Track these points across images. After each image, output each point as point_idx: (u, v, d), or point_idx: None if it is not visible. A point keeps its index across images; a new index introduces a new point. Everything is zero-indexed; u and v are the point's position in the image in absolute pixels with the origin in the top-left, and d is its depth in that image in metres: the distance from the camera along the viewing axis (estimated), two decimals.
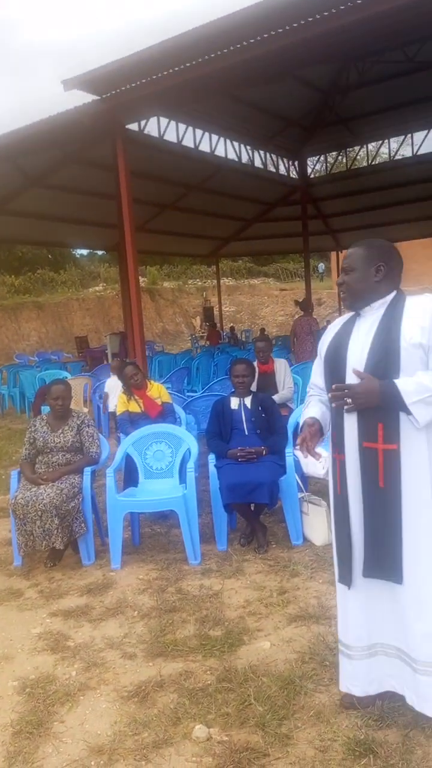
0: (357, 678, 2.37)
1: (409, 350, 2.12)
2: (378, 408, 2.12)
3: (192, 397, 6.48)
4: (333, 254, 21.92)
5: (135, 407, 5.19)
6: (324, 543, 4.04)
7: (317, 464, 4.24)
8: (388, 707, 2.38)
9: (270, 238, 18.68)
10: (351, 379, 2.19)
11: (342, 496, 2.31)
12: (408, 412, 2.07)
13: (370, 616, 2.30)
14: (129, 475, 4.46)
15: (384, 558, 2.18)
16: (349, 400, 2.14)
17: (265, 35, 6.40)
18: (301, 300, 10.59)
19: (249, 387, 4.44)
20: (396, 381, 2.09)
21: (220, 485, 3.98)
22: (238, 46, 6.57)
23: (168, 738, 2.37)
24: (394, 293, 2.28)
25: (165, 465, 4.38)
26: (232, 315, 23.55)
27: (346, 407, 2.18)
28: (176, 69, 7.01)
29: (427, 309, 2.16)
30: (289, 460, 4.15)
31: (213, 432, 4.34)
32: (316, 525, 4.06)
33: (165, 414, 5.23)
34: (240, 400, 4.39)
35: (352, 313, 2.39)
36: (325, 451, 4.47)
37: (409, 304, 2.22)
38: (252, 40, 6.47)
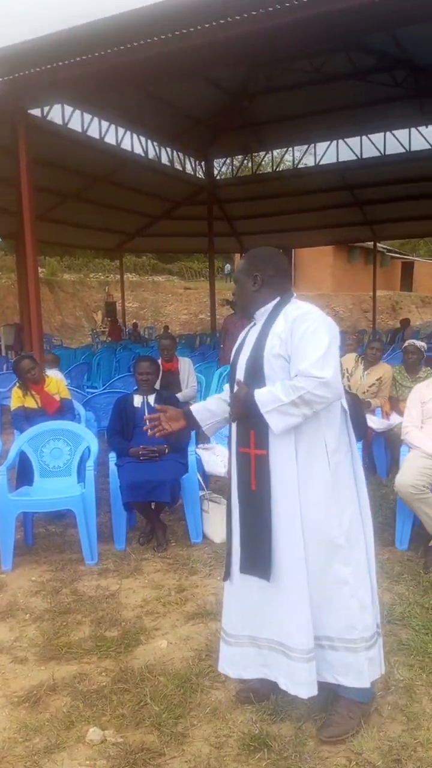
0: (232, 662, 2.45)
1: (270, 360, 2.20)
2: (251, 415, 2.21)
3: (93, 393, 6.34)
4: (237, 256, 22.26)
5: (31, 403, 5.00)
6: (223, 540, 4.07)
7: (219, 462, 4.31)
8: (282, 701, 2.45)
9: (175, 236, 18.67)
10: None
11: (229, 496, 2.43)
12: (264, 421, 2.16)
13: (246, 609, 2.38)
14: (23, 474, 4.29)
15: (256, 556, 2.28)
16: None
17: (176, 33, 6.38)
18: (231, 299, 10.72)
19: (153, 385, 4.41)
20: (255, 390, 2.18)
21: (120, 484, 3.92)
22: (148, 41, 6.51)
23: (60, 742, 2.30)
24: (276, 300, 2.33)
25: (62, 463, 4.25)
26: (135, 311, 23.32)
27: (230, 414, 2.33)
28: (83, 58, 6.85)
29: (289, 319, 2.21)
30: (192, 459, 4.16)
31: (114, 430, 4.27)
32: (216, 522, 4.10)
33: (63, 410, 5.07)
34: (143, 398, 4.36)
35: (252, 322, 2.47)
36: (225, 449, 4.54)
37: (284, 312, 2.27)
38: (162, 37, 6.44)
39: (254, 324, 2.40)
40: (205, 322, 21.95)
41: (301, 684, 2.25)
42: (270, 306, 2.33)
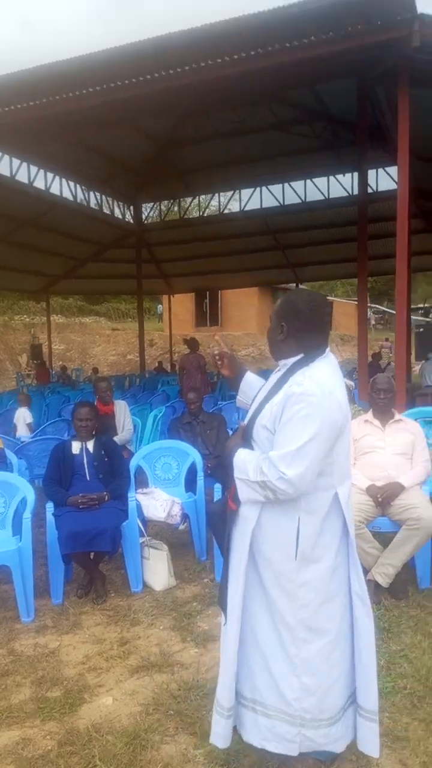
0: None
1: (258, 428, 2.13)
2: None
3: (23, 440, 6.17)
4: (165, 297, 22.47)
5: None
6: (164, 587, 4.04)
7: (158, 507, 4.29)
8: (232, 750, 2.41)
9: (104, 278, 18.70)
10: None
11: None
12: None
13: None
14: None
15: (222, 595, 2.29)
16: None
17: (109, 85, 6.55)
18: (188, 338, 11.34)
19: (92, 431, 4.35)
20: (239, 450, 2.15)
21: (59, 534, 3.82)
22: (82, 92, 6.65)
23: None
24: (298, 357, 2.15)
25: None
26: (61, 353, 22.97)
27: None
28: (15, 107, 6.90)
29: (287, 394, 2.05)
30: (132, 504, 4.12)
31: (52, 478, 4.17)
32: (157, 570, 4.05)
33: None
34: (82, 444, 4.29)
35: None
36: (164, 494, 4.53)
37: (293, 378, 2.08)
38: (95, 88, 6.59)
39: (278, 370, 2.23)
40: (133, 362, 21.90)
41: (217, 735, 2.27)
42: (291, 361, 2.15)
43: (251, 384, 2.43)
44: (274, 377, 2.22)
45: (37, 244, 15.01)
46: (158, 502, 4.43)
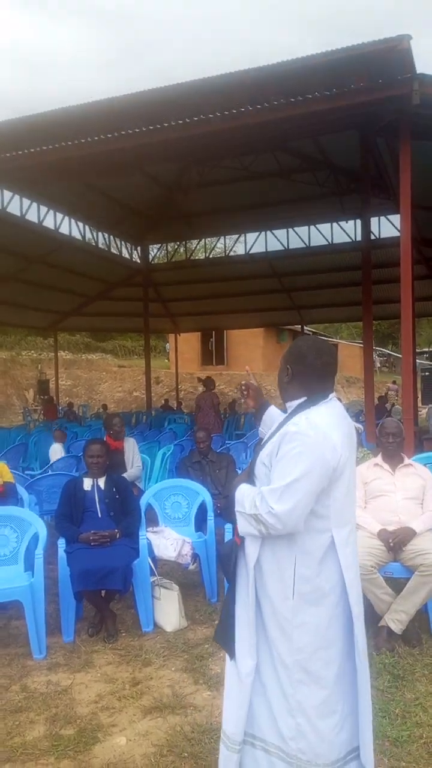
0: None
1: (259, 465, 2.21)
2: None
3: (34, 476, 6.23)
4: (171, 336, 22.71)
5: None
6: (175, 628, 4.04)
7: (168, 546, 4.32)
8: None
9: (111, 316, 18.97)
10: None
11: None
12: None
13: None
14: None
15: (225, 631, 2.28)
16: None
17: (109, 135, 6.83)
18: (205, 378, 11.64)
19: (104, 467, 4.42)
20: (240, 485, 2.23)
21: (70, 572, 3.86)
22: (92, 138, 6.93)
23: None
24: (302, 399, 2.23)
25: (9, 551, 4.13)
26: (68, 389, 23.11)
27: None
28: (27, 151, 7.18)
29: (282, 432, 2.13)
30: (143, 542, 4.16)
31: (63, 514, 4.22)
32: (168, 610, 4.06)
33: (7, 495, 4.98)
34: (93, 481, 4.36)
35: None
36: (174, 533, 4.57)
37: (292, 420, 2.16)
38: (104, 136, 6.86)
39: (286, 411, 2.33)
40: (139, 399, 22.01)
41: None
42: (295, 403, 2.23)
43: (273, 417, 2.47)
44: (279, 419, 2.32)
45: (46, 281, 15.29)
46: (168, 541, 4.46)
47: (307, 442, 2.05)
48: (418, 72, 6.24)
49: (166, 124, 6.77)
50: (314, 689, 2.13)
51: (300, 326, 19.87)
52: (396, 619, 3.66)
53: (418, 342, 29.59)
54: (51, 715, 3.10)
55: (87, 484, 4.36)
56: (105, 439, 5.75)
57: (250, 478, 2.27)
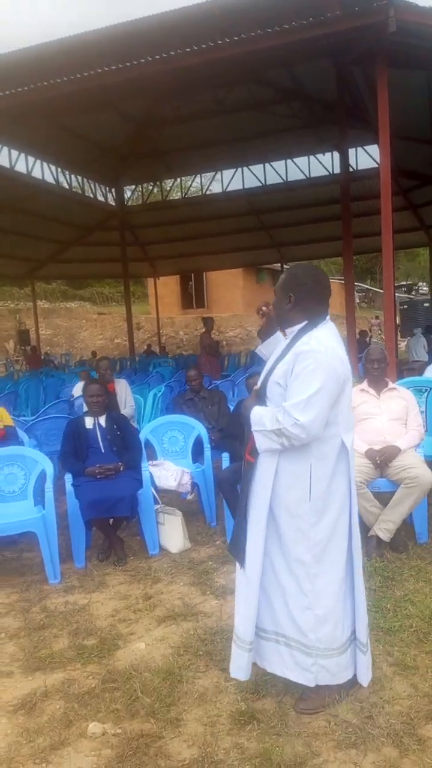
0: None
1: (272, 386, 2.42)
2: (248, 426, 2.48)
3: (31, 420, 6.39)
4: (150, 281, 22.58)
5: None
6: (180, 549, 4.33)
7: (169, 477, 4.56)
8: (260, 681, 2.72)
9: (89, 262, 18.76)
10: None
11: None
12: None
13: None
14: None
15: (236, 543, 2.58)
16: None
17: (78, 75, 6.67)
18: (205, 317, 12.23)
19: (103, 406, 4.60)
20: (254, 408, 2.45)
21: (80, 502, 4.08)
22: (51, 81, 6.75)
23: (64, 740, 2.46)
24: (302, 324, 2.43)
25: (18, 488, 4.34)
26: (48, 338, 23.04)
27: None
28: None
29: (295, 352, 2.33)
30: (145, 474, 4.38)
31: (68, 452, 4.42)
32: (173, 533, 4.33)
33: (8, 438, 5.14)
34: (94, 420, 4.54)
35: None
36: (173, 465, 4.79)
37: (300, 341, 2.37)
38: (75, 76, 6.70)
39: (286, 338, 2.55)
40: (121, 346, 22.08)
41: (239, 669, 2.57)
42: (296, 328, 2.44)
43: (278, 340, 2.66)
44: (283, 344, 2.54)
45: (20, 228, 15.02)
46: (168, 472, 4.70)
47: (320, 359, 2.30)
48: None
49: (135, 62, 6.62)
50: (329, 578, 2.46)
51: (280, 264, 19.82)
52: (384, 528, 3.96)
53: (396, 276, 29.71)
54: (73, 630, 3.37)
55: (88, 422, 4.54)
56: None
57: (260, 401, 2.48)
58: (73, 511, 4.19)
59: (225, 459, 4.56)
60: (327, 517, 2.45)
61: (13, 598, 3.83)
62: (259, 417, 2.40)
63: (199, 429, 5.10)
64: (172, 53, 6.50)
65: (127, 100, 11.02)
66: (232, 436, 4.73)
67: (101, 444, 4.45)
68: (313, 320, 2.44)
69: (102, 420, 4.55)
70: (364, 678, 2.60)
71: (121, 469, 4.31)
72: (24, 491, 4.33)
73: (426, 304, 23.60)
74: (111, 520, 4.30)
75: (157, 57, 6.53)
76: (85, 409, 5.22)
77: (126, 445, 4.50)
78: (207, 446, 4.95)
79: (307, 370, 2.29)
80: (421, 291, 33.05)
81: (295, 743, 2.36)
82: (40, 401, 9.24)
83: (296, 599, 2.49)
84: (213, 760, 2.30)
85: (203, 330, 11.93)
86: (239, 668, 2.58)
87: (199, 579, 3.89)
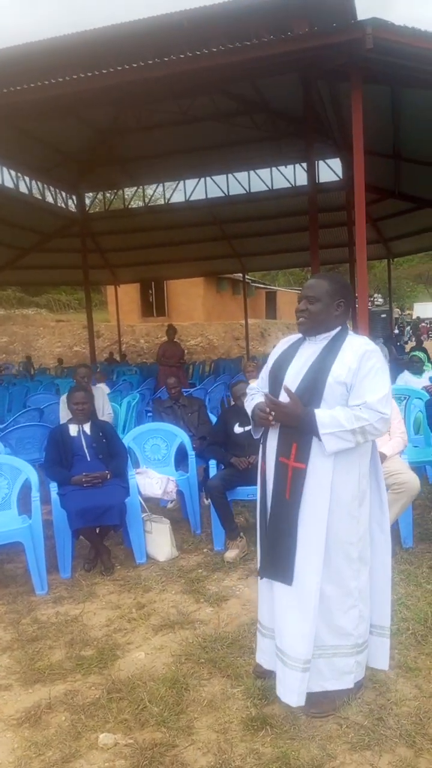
0: (264, 652, 2.72)
1: (333, 386, 2.40)
2: (296, 429, 2.42)
3: (4, 428, 6.24)
4: (110, 288, 22.41)
5: None
6: (167, 558, 4.30)
7: (154, 485, 4.53)
8: (268, 686, 2.73)
9: (47, 269, 18.48)
10: (284, 397, 2.47)
11: (262, 500, 2.62)
12: (320, 440, 2.38)
13: (272, 604, 2.61)
14: None
15: (279, 561, 2.49)
16: (273, 414, 2.43)
17: (51, 81, 6.60)
18: (168, 325, 12.01)
19: (88, 414, 4.53)
20: (316, 411, 2.37)
21: (67, 512, 4.01)
22: (21, 87, 6.67)
23: (74, 752, 2.42)
24: (339, 329, 2.54)
25: (1, 497, 4.23)
26: (4, 346, 22.55)
27: (269, 420, 2.46)
28: None
29: (358, 353, 2.41)
30: (132, 482, 4.34)
31: (53, 460, 4.34)
32: (160, 542, 4.30)
33: None
34: (79, 427, 4.47)
35: (299, 336, 2.66)
36: (157, 473, 4.77)
37: (347, 343, 2.47)
38: (36, 84, 6.62)
39: (303, 342, 2.60)
40: (80, 354, 21.77)
41: (292, 692, 2.47)
42: (333, 333, 2.53)
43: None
44: (311, 348, 2.54)
45: None
46: (153, 480, 4.67)
47: (380, 357, 2.44)
48: (359, 17, 6.33)
49: (103, 71, 6.59)
50: (366, 572, 2.54)
51: (242, 274, 19.96)
52: None
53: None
54: (68, 640, 3.30)
55: (73, 430, 4.47)
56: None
57: (311, 403, 2.41)
58: (59, 521, 4.12)
59: (212, 466, 4.57)
60: (365, 510, 2.53)
61: (0, 610, 3.73)
62: (332, 419, 2.35)
63: (182, 437, 5.08)
64: (141, 63, 6.50)
65: (90, 107, 10.96)
66: (216, 444, 4.75)
67: (87, 452, 4.39)
68: (344, 328, 2.57)
69: (87, 427, 4.49)
70: (384, 662, 2.67)
71: (108, 477, 4.25)
72: (7, 501, 4.22)
73: (383, 315, 24.15)
74: (98, 529, 4.23)
75: (125, 67, 6.51)
76: (64, 418, 5.17)
77: (112, 453, 4.45)
78: (191, 454, 4.93)
79: (376, 367, 2.41)
80: (376, 302, 33.83)
81: (310, 747, 2.37)
82: (5, 409, 9.03)
83: (341, 602, 2.50)
84: (231, 766, 2.29)
85: (164, 339, 11.90)
86: (292, 691, 2.47)
87: (191, 587, 3.88)
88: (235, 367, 14.76)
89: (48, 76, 6.68)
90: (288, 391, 2.43)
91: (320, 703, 2.56)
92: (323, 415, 2.37)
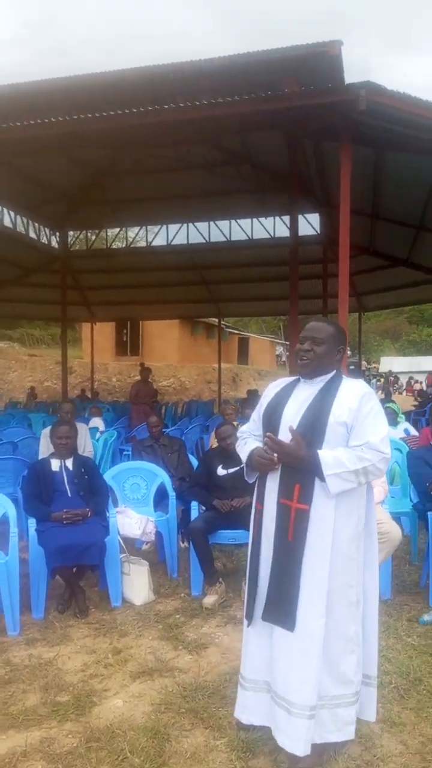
0: (245, 707, 2.62)
1: (334, 426, 2.42)
2: (299, 470, 2.41)
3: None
4: (84, 326, 22.39)
5: None
6: (144, 601, 4.19)
7: (133, 525, 4.46)
8: (251, 738, 2.65)
9: (25, 302, 18.43)
10: (283, 436, 2.47)
11: (256, 542, 2.58)
12: (323, 480, 2.37)
13: (264, 654, 2.55)
14: None
15: (282, 605, 2.43)
16: (275, 455, 2.43)
17: (45, 120, 6.72)
18: (142, 367, 12.34)
19: (72, 449, 4.47)
20: (319, 452, 2.38)
21: (45, 549, 3.90)
22: (16, 124, 6.77)
23: None
24: (335, 372, 2.60)
25: None
26: None
27: (272, 462, 2.45)
28: None
29: (357, 394, 2.46)
30: (113, 521, 4.26)
31: (32, 495, 4.24)
32: (138, 585, 4.20)
33: None
34: (61, 462, 4.40)
35: (292, 379, 2.69)
36: (135, 513, 4.70)
37: (344, 385, 2.53)
38: (24, 122, 6.73)
39: (297, 384, 2.62)
40: (51, 389, 21.57)
41: (298, 741, 2.39)
42: (329, 376, 2.57)
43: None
44: (307, 390, 2.57)
45: None
46: (132, 520, 4.60)
47: (377, 399, 2.50)
48: (345, 79, 6.61)
49: (97, 114, 6.74)
50: (360, 614, 2.54)
51: (217, 320, 20.20)
52: None
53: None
54: (42, 685, 3.17)
55: (54, 465, 4.39)
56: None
57: (313, 446, 2.40)
58: (35, 559, 4.00)
59: (194, 508, 4.52)
60: (361, 552, 2.53)
61: None
62: (336, 460, 2.36)
63: (163, 476, 5.03)
64: (133, 110, 6.67)
65: (81, 148, 11.17)
66: (198, 485, 4.72)
67: (68, 487, 4.31)
68: (339, 371, 2.64)
69: (69, 463, 4.42)
70: (372, 713, 2.63)
71: (89, 515, 4.17)
72: None
73: (352, 367, 24.58)
74: (75, 569, 4.12)
75: (117, 112, 6.66)
76: (44, 453, 5.09)
77: (93, 490, 4.37)
78: (171, 494, 4.88)
79: (375, 408, 2.47)
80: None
81: None
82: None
83: (341, 647, 2.47)
84: None
85: (137, 378, 11.94)
86: (298, 740, 2.39)
87: (169, 633, 3.78)
88: (208, 409, 14.79)
89: (41, 116, 6.81)
90: (292, 431, 2.43)
91: (306, 757, 2.49)
92: (327, 456, 2.38)
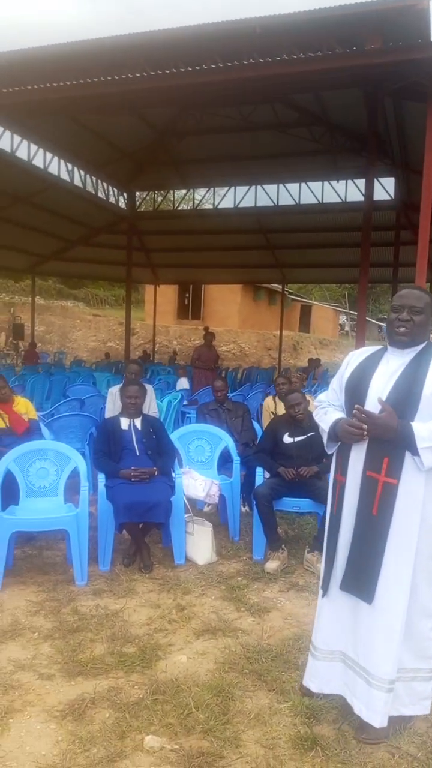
0: (315, 676, 2.62)
1: (429, 398, 2.32)
2: (388, 442, 2.33)
3: (55, 415, 6.25)
4: (147, 288, 22.52)
5: None
6: (206, 562, 4.24)
7: (197, 486, 4.48)
8: (315, 705, 2.65)
9: (91, 263, 18.65)
10: (370, 407, 2.38)
11: (336, 515, 2.53)
12: (416, 454, 2.29)
13: (338, 625, 2.54)
14: (6, 493, 4.21)
15: (361, 577, 2.40)
16: (365, 426, 2.34)
17: (110, 77, 6.62)
18: (207, 329, 12.58)
19: (140, 408, 4.51)
20: (413, 424, 2.29)
21: (114, 505, 3.98)
22: (88, 80, 6.69)
23: (119, 751, 2.36)
24: (426, 343, 2.48)
25: (48, 483, 4.22)
26: (41, 335, 22.75)
27: (362, 434, 2.36)
28: (21, 88, 6.90)
29: None
30: (178, 481, 4.30)
31: (102, 451, 4.32)
32: (201, 545, 4.24)
33: (31, 432, 5.02)
34: (130, 421, 4.45)
35: (377, 348, 2.60)
36: (200, 475, 4.72)
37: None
38: (96, 79, 6.64)
39: (383, 353, 2.53)
40: (113, 350, 21.89)
41: (376, 712, 2.39)
42: (420, 347, 2.47)
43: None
44: (399, 361, 2.46)
45: (28, 222, 14.93)
46: (197, 481, 4.62)
47: None
48: None
49: (168, 71, 6.59)
50: None
51: (281, 285, 19.92)
52: None
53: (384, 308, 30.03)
54: (109, 635, 3.26)
55: (124, 423, 4.44)
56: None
57: (404, 416, 2.33)
58: (104, 513, 4.09)
59: (259, 474, 4.50)
60: None
61: (41, 597, 3.70)
62: (430, 432, 2.28)
63: (227, 440, 5.03)
64: (204, 67, 6.48)
65: (149, 107, 11.02)
66: (263, 452, 4.69)
67: (136, 446, 4.36)
68: (430, 341, 2.50)
69: (138, 422, 4.46)
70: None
71: (156, 474, 4.21)
72: (55, 487, 4.21)
73: None
74: (141, 525, 4.19)
75: (187, 69, 6.50)
76: (111, 411, 5.15)
77: (160, 450, 4.41)
78: (236, 459, 4.88)
79: None
80: None
81: None
82: (44, 398, 9.08)
83: (422, 625, 2.44)
84: None
85: (200, 343, 11.91)
86: (377, 712, 2.40)
87: (231, 594, 3.81)
88: (268, 377, 14.69)
89: (112, 74, 6.72)
90: (383, 403, 2.34)
91: (372, 729, 2.47)
92: (422, 429, 2.29)
